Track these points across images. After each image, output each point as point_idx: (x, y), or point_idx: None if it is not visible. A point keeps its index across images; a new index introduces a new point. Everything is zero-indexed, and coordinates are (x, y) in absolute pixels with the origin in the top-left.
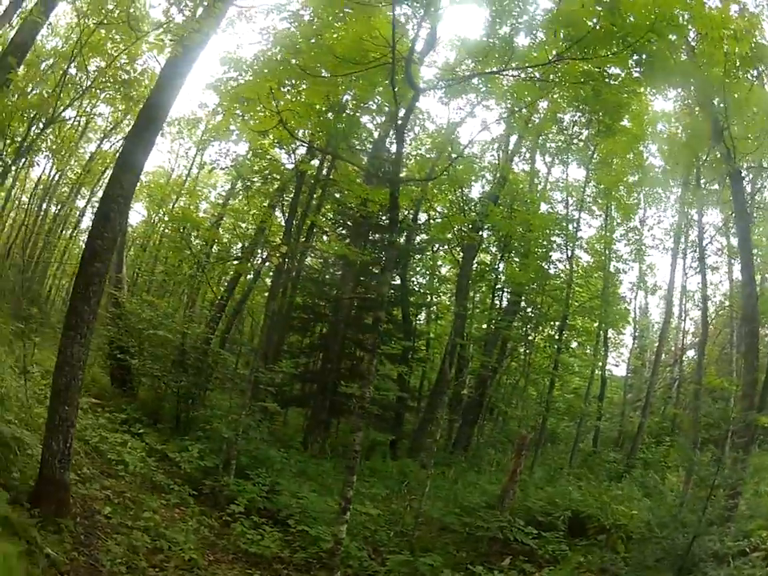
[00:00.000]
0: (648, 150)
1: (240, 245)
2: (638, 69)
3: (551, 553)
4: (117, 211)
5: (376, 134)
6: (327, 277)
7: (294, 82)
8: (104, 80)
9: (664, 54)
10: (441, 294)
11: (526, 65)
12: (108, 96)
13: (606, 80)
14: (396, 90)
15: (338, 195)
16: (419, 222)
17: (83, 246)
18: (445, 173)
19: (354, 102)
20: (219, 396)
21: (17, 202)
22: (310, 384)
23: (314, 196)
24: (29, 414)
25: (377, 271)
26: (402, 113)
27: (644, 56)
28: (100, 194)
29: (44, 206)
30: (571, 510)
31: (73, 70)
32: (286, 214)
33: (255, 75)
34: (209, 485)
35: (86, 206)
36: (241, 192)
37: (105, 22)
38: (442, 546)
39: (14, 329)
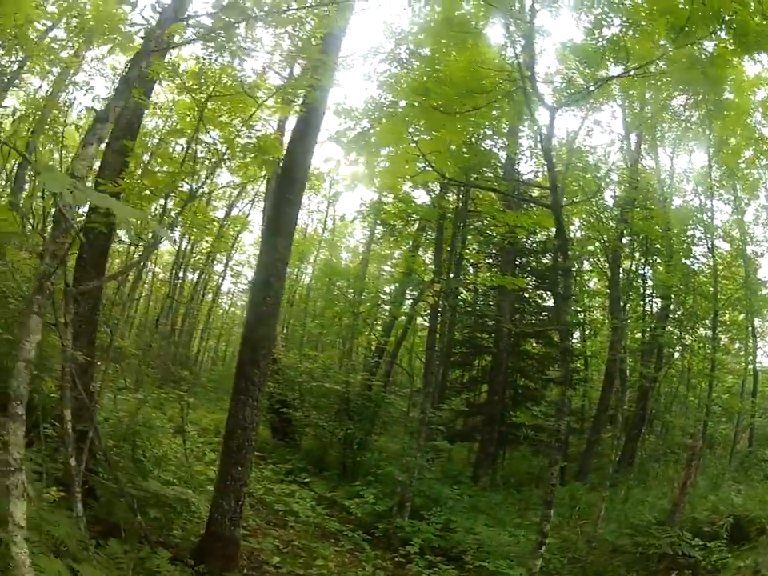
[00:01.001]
0: (756, 120)
1: (391, 287)
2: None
3: (714, 563)
4: (276, 275)
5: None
6: (481, 308)
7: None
8: (231, 149)
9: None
10: (593, 310)
11: (638, 62)
12: (236, 164)
13: (706, 57)
14: (527, 110)
15: (477, 224)
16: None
17: (244, 312)
18: (575, 183)
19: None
20: (384, 439)
21: (151, 275)
22: (473, 417)
23: (459, 230)
24: (188, 473)
25: (527, 296)
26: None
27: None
28: (237, 256)
29: (181, 274)
30: (733, 515)
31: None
32: (431, 252)
33: (376, 121)
34: (382, 528)
35: (224, 270)
36: (381, 237)
37: (217, 93)
38: (614, 569)
39: (165, 393)
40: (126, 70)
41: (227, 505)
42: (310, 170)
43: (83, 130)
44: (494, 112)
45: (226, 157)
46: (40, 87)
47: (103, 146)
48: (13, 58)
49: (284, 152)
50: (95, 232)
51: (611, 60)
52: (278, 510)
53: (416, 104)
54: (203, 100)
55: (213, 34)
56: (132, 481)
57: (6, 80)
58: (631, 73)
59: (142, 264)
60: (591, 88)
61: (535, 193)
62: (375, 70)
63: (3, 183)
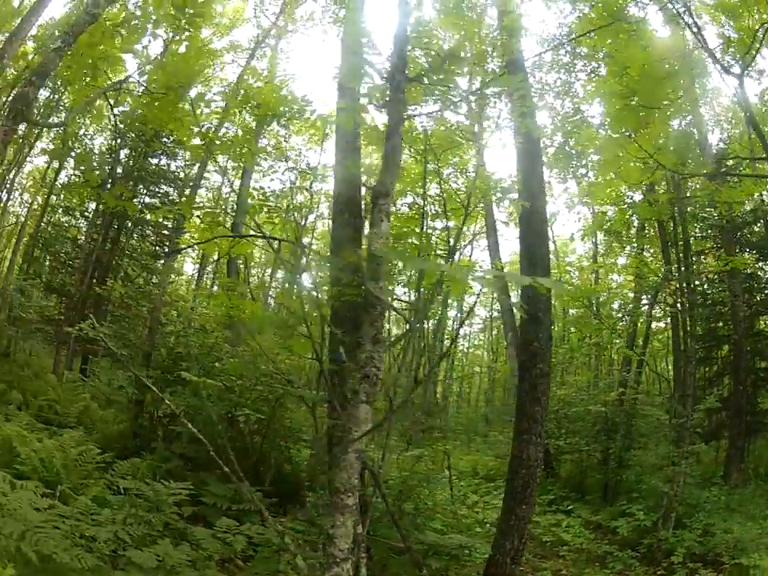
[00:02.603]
0: None
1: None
2: None
3: None
4: (543, 310)
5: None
6: (713, 296)
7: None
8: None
9: None
10: None
11: None
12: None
13: None
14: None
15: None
16: None
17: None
18: None
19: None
20: (641, 453)
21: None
22: (718, 413)
23: (678, 221)
24: (455, 519)
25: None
26: None
27: None
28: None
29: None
30: None
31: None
32: (654, 252)
33: (569, 134)
34: (646, 543)
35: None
36: (605, 247)
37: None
38: None
39: (430, 444)
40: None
41: (509, 544)
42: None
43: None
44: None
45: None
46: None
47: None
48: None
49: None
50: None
51: None
52: (545, 542)
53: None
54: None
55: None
56: (410, 535)
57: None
58: None
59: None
60: None
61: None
62: (541, 80)
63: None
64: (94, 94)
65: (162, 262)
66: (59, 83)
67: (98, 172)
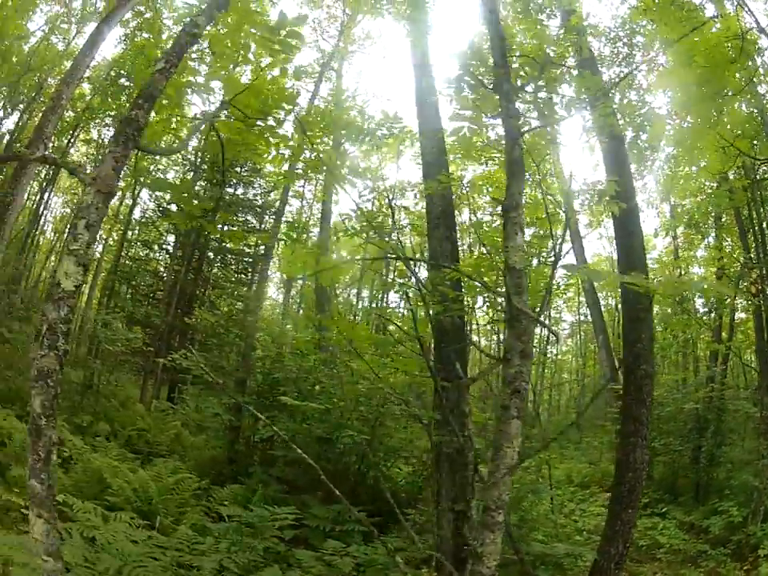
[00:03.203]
0: None
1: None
2: None
3: None
4: (644, 309)
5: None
6: None
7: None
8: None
9: None
10: None
11: None
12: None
13: None
14: None
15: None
16: None
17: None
18: None
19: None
20: (730, 449)
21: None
22: None
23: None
24: (555, 528)
25: None
26: None
27: None
28: None
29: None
30: None
31: None
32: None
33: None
34: (735, 539)
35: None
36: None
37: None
38: None
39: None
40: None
41: (614, 549)
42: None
43: None
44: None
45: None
46: None
47: None
48: None
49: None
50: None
51: None
52: (641, 546)
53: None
54: None
55: None
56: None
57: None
58: None
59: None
60: None
61: None
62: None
63: None
64: (199, 121)
65: (249, 288)
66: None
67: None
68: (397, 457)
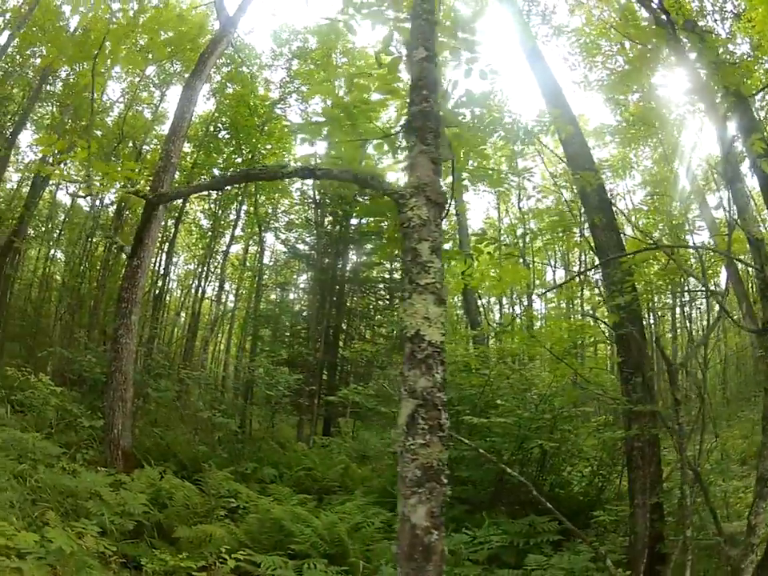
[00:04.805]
0: None
1: None
2: None
3: None
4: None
5: None
6: None
7: None
8: None
9: None
10: None
11: None
12: None
13: None
14: None
15: None
16: None
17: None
18: None
19: None
20: None
21: None
22: None
23: None
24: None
25: None
26: None
27: None
28: None
29: None
30: None
31: None
32: None
33: None
34: None
35: None
36: None
37: None
38: None
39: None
40: None
41: None
42: None
43: None
44: None
45: None
46: None
47: None
48: None
49: None
50: None
51: None
52: None
53: None
54: None
55: None
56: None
57: None
58: None
59: None
60: None
61: None
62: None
63: None
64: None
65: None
66: None
67: None
68: (580, 459)
